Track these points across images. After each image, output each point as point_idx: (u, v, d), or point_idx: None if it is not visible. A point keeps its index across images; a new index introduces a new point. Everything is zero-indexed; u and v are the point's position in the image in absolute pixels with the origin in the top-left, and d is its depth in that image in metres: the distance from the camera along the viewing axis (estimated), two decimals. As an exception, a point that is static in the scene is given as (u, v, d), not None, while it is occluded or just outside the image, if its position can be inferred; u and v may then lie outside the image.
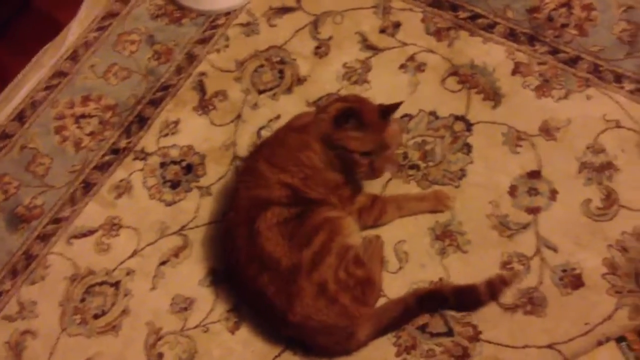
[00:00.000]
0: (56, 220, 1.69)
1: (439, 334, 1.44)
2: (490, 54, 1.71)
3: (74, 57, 1.89)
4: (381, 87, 1.72)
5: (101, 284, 1.61)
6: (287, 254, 1.37)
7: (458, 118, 1.65)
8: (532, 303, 1.44)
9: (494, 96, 1.66)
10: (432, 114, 1.67)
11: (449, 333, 1.44)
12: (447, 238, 1.53)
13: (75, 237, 1.66)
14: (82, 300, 1.60)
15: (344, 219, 1.45)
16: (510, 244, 1.50)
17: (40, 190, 1.73)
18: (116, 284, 1.60)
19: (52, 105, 1.83)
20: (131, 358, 1.53)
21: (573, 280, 1.45)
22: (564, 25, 1.72)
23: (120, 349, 1.54)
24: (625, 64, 1.64)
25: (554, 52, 1.69)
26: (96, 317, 1.58)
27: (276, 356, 1.48)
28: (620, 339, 1.33)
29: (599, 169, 1.54)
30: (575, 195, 1.53)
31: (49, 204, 1.71)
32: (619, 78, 1.63)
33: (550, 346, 1.40)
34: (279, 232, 1.39)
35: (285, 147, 1.49)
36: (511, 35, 1.73)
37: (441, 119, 1.66)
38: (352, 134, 1.43)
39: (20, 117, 1.83)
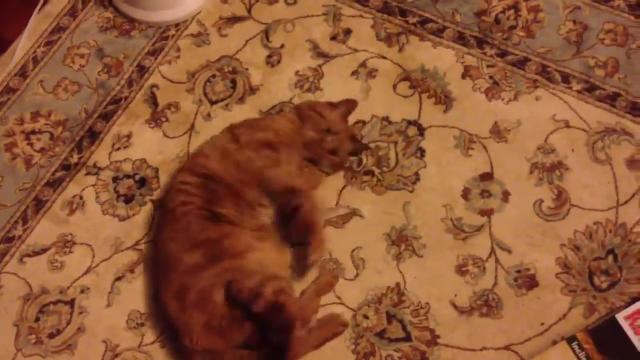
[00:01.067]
0: (8, 239, 1.65)
1: (397, 340, 1.45)
2: (441, 58, 1.72)
3: (22, 72, 1.86)
4: (334, 94, 1.71)
5: (55, 302, 1.58)
6: (181, 244, 1.44)
7: (411, 123, 1.66)
8: (488, 305, 1.45)
9: (445, 100, 1.67)
10: (385, 119, 1.67)
11: (407, 338, 1.45)
12: (402, 243, 1.53)
13: (28, 255, 1.63)
14: (37, 319, 1.57)
15: (260, 252, 1.44)
16: (465, 247, 1.51)
17: (-10, 210, 1.70)
18: (71, 302, 1.57)
19: (2, 122, 1.80)
20: (88, 376, 1.51)
21: (527, 281, 1.46)
22: (511, 28, 1.74)
23: (76, 368, 1.52)
24: (573, 64, 1.67)
25: (503, 54, 1.70)
26: (51, 336, 1.55)
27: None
28: (570, 339, 1.34)
29: (549, 169, 1.56)
30: (527, 196, 1.54)
31: (0, 222, 1.68)
32: (566, 78, 1.65)
33: (507, 347, 1.41)
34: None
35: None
36: (460, 38, 1.74)
37: (394, 124, 1.66)
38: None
39: (-32, 137, 1.80)
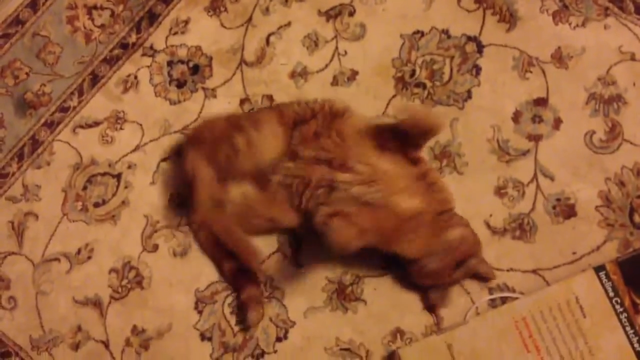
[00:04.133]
0: (63, 109, 1.71)
1: (425, 250, 1.47)
2: (511, -26, 1.66)
3: (89, -54, 1.87)
4: (396, 1, 1.66)
5: (103, 174, 1.65)
6: None
7: (470, 39, 1.61)
8: (522, 229, 1.45)
9: (509, 18, 1.61)
10: (445, 32, 1.63)
11: (435, 250, 1.47)
12: (445, 158, 1.53)
13: (81, 127, 1.70)
14: (84, 188, 1.65)
15: None
16: (507, 169, 1.50)
17: (49, 78, 1.75)
18: (118, 176, 1.64)
19: (65, -6, 1.83)
20: (127, 246, 1.59)
21: (566, 210, 1.45)
22: (591, -51, 1.65)
23: (117, 237, 1.60)
24: (650, -4, 1.58)
25: (578, -24, 1.63)
26: (97, 205, 1.63)
27: (266, 258, 1.53)
28: (599, 268, 1.34)
29: (607, 101, 1.51)
30: (580, 126, 1.50)
31: (57, 92, 1.73)
32: (640, 9, 1.58)
33: (534, 271, 1.42)
34: None
35: None
36: (535, -45, 1.66)
37: (453, 38, 1.62)
38: None
39: (33, 5, 1.82)
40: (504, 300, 1.41)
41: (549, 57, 1.56)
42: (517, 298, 1.39)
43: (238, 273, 1.49)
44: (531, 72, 1.56)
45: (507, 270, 1.43)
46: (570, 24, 1.58)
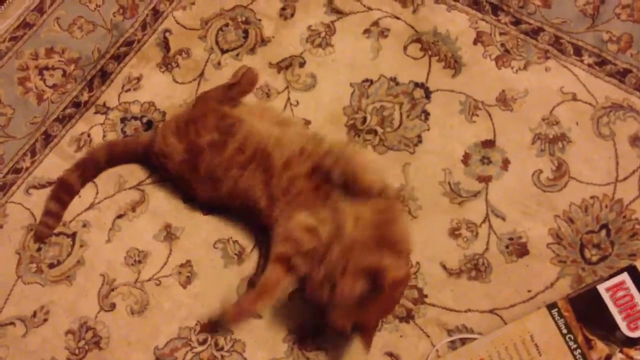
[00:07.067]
0: (16, 170, 1.70)
1: (385, 296, 1.48)
2: (454, 22, 1.71)
3: (40, 8, 1.87)
4: (344, 52, 1.71)
5: (58, 234, 1.63)
6: None
7: (418, 85, 1.66)
8: (477, 269, 1.47)
9: (454, 65, 1.66)
10: (393, 79, 1.67)
11: (395, 295, 1.48)
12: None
13: (35, 187, 1.68)
14: (39, 249, 1.62)
15: None
16: (460, 211, 1.53)
17: (1, 140, 1.73)
18: (72, 235, 1.62)
19: (17, 56, 1.82)
20: (84, 307, 1.56)
21: (518, 249, 1.48)
22: (528, -4, 1.72)
23: (73, 298, 1.57)
24: (586, 37, 1.65)
25: (517, 22, 1.68)
26: (51, 266, 1.60)
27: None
28: (551, 306, 1.36)
29: (552, 141, 1.56)
30: (527, 166, 1.55)
31: (9, 153, 1.72)
32: (579, 51, 1.63)
33: (491, 311, 1.44)
34: None
35: None
36: (475, 4, 1.72)
37: (401, 85, 1.67)
38: None
39: (-17, 67, 1.83)
40: (463, 341, 1.42)
41: (494, 100, 1.61)
42: (475, 339, 1.40)
43: None
44: (478, 115, 1.60)
45: (465, 312, 1.44)
46: (512, 68, 1.64)
